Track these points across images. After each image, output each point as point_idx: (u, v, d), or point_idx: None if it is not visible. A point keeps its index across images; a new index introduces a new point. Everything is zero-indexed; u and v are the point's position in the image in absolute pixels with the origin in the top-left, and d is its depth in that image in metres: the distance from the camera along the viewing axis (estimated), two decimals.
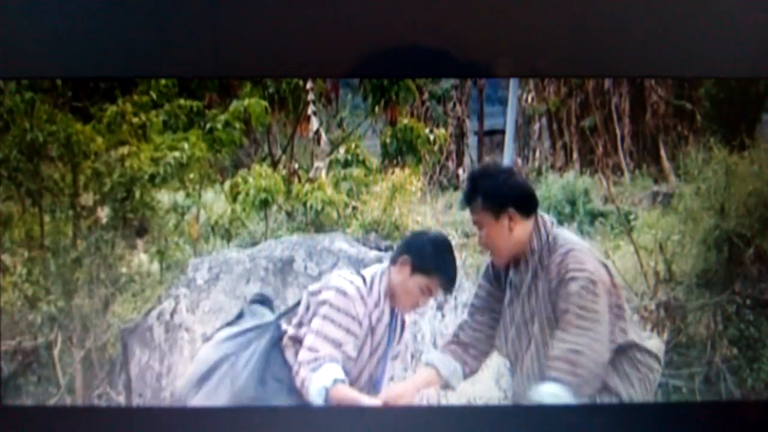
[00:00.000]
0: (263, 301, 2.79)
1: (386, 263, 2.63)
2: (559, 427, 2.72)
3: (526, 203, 2.58)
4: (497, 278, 2.69)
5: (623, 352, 2.51)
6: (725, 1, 2.66)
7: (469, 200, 2.61)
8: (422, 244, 2.61)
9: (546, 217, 2.60)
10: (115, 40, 2.71)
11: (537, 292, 2.54)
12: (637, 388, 2.52)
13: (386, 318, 2.59)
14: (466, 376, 2.73)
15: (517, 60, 2.74)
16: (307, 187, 4.74)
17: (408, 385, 2.71)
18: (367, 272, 2.62)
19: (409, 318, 3.47)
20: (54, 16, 2.72)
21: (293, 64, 2.82)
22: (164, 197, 4.55)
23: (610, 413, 2.55)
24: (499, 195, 2.56)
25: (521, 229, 2.55)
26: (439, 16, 2.69)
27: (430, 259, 2.56)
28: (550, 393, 2.41)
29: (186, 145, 4.43)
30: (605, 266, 2.53)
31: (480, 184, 2.61)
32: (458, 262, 4.26)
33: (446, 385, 2.74)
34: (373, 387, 2.61)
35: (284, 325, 2.59)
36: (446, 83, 5.82)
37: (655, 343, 2.63)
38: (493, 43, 2.71)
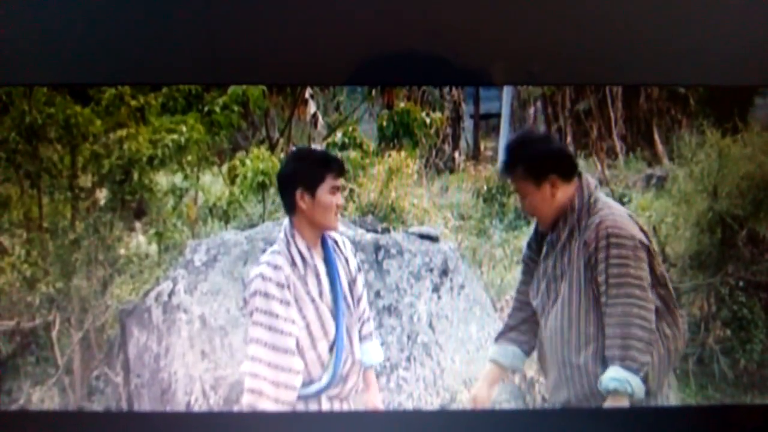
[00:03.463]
0: None
1: (287, 220, 2.56)
2: (560, 429, 2.74)
3: (566, 168, 2.56)
4: (541, 245, 2.66)
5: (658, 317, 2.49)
6: (718, 9, 2.68)
7: (509, 170, 2.59)
8: (291, 168, 2.56)
9: (590, 179, 2.58)
10: (116, 47, 2.72)
11: (570, 251, 2.52)
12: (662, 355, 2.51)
13: (321, 267, 2.55)
14: (528, 353, 2.71)
15: (513, 67, 2.75)
16: None
17: (480, 386, 2.72)
18: (276, 244, 2.54)
19: (406, 300, 3.50)
20: (54, 23, 2.73)
21: (291, 72, 2.82)
22: (162, 179, 4.55)
23: (609, 416, 2.56)
24: (539, 163, 2.54)
25: (563, 192, 2.53)
26: (434, 24, 2.70)
27: (307, 170, 2.51)
28: (610, 377, 2.39)
29: (184, 128, 4.44)
30: (644, 231, 2.51)
31: (519, 153, 2.59)
32: (454, 245, 4.32)
33: (513, 371, 2.77)
34: (337, 335, 2.55)
35: None
36: None
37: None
38: (488, 51, 2.72)
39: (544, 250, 2.61)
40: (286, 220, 2.55)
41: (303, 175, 2.50)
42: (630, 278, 2.44)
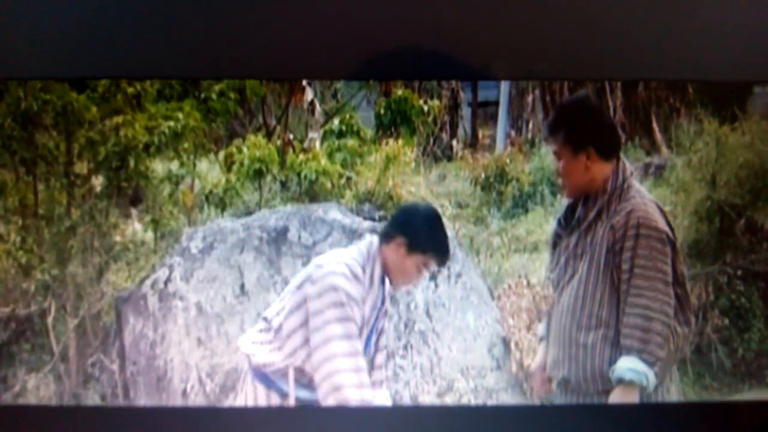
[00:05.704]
0: None
1: (375, 240, 2.55)
2: (561, 426, 2.74)
3: (607, 145, 2.52)
4: (571, 222, 2.63)
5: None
6: (718, 6, 2.68)
7: (552, 130, 2.57)
8: (417, 223, 2.54)
9: (627, 164, 2.54)
10: (117, 41, 2.71)
11: (594, 232, 2.49)
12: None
13: (379, 299, 2.56)
14: None
15: (514, 63, 2.74)
16: (302, 157, 4.74)
17: (538, 362, 2.71)
18: (357, 254, 2.54)
19: (402, 288, 3.50)
20: (49, 17, 2.72)
21: (293, 66, 2.82)
22: (158, 166, 4.54)
23: (607, 411, 2.55)
24: (582, 132, 2.51)
25: (597, 169, 2.50)
26: (436, 18, 2.70)
27: (426, 238, 2.51)
28: (628, 368, 2.37)
29: (180, 115, 4.42)
30: (671, 226, 2.48)
31: (566, 116, 2.59)
32: (451, 233, 4.32)
33: None
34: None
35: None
36: None
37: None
38: (489, 46, 2.71)
39: (570, 225, 2.60)
40: (375, 238, 2.55)
41: (415, 236, 2.50)
42: (656, 272, 2.41)
